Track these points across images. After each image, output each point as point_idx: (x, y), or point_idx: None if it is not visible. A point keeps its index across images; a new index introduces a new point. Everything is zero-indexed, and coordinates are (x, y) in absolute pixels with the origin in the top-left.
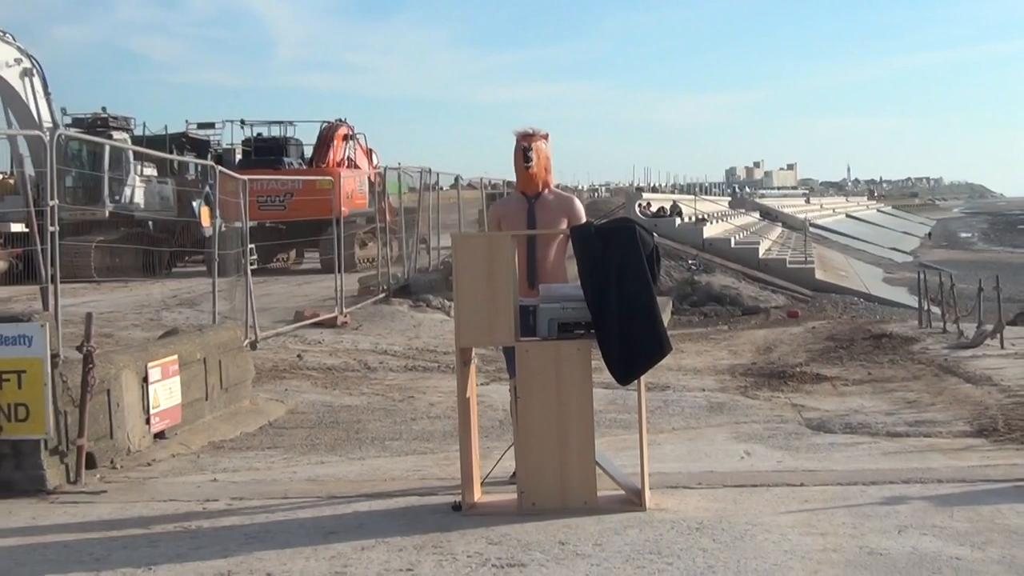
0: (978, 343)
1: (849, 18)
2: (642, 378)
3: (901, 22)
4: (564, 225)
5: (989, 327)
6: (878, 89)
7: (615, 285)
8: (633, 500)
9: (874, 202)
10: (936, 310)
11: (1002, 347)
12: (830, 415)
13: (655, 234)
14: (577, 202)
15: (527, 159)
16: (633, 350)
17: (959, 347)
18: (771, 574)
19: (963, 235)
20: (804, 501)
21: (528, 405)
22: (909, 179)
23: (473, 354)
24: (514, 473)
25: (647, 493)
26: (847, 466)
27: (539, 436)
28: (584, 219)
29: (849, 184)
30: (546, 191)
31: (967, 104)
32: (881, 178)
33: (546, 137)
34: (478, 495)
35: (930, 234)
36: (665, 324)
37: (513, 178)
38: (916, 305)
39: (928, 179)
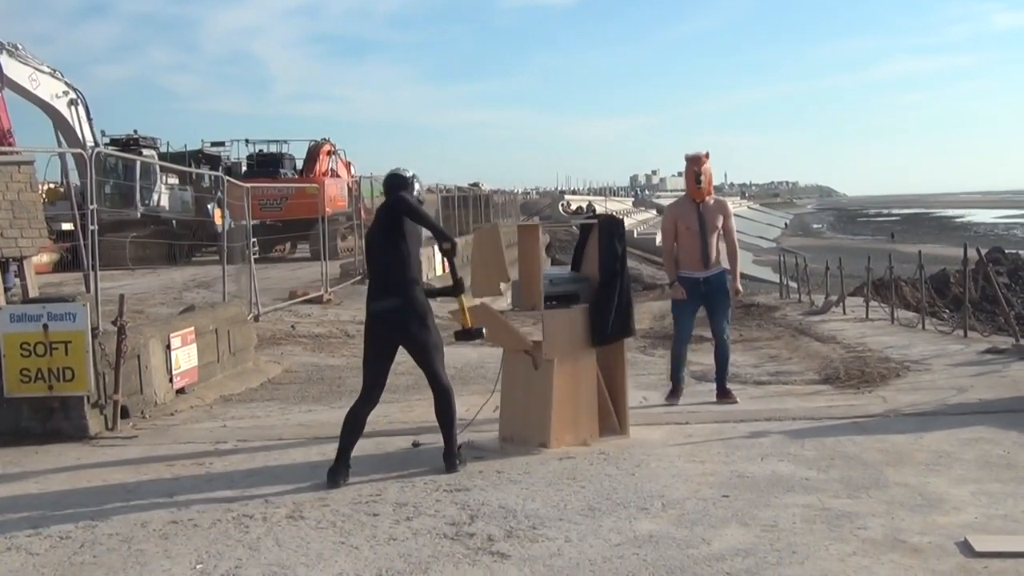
0: (825, 310)
1: (724, 57)
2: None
3: (765, 61)
4: (721, 223)
5: (834, 298)
6: (748, 112)
7: (620, 272)
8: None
9: (746, 201)
10: (793, 284)
11: (844, 313)
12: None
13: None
14: (729, 206)
15: (698, 181)
16: (613, 325)
17: (811, 313)
18: (661, 494)
19: (815, 226)
20: (688, 436)
21: None
22: (772, 182)
23: None
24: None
25: None
26: (722, 408)
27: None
28: (732, 219)
29: (726, 187)
30: (709, 198)
31: (818, 123)
32: (751, 181)
33: (707, 156)
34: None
35: (787, 225)
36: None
37: (467, 184)
38: (778, 281)
39: (787, 182)
